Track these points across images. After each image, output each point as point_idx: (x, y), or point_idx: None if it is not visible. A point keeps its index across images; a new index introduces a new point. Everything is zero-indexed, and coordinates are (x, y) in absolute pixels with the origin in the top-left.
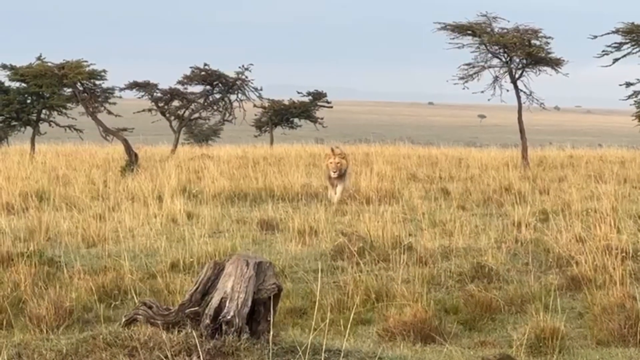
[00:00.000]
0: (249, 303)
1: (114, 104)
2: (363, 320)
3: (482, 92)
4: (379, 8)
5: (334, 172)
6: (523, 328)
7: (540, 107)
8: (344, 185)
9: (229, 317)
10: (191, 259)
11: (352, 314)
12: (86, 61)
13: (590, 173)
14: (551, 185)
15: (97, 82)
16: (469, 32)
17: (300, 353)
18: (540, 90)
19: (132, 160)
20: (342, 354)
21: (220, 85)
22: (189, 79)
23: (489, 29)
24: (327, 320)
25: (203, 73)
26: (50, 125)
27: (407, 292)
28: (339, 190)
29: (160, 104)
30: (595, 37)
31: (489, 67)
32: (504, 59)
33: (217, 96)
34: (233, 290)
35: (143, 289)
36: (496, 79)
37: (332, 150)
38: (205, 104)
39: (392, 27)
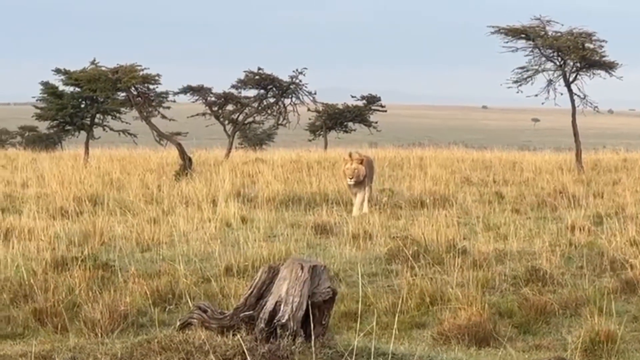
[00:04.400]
0: (304, 307)
1: (168, 108)
2: (417, 324)
3: (536, 95)
4: (432, 11)
5: (350, 178)
6: (578, 331)
7: (594, 111)
8: (364, 195)
9: (283, 321)
10: (245, 263)
11: (406, 318)
12: (140, 65)
13: None
14: (605, 188)
15: (151, 86)
16: (523, 35)
17: (354, 357)
18: (594, 93)
19: (186, 164)
20: (396, 358)
21: (274, 89)
22: (243, 83)
23: (542, 33)
24: (382, 324)
25: (257, 77)
26: (104, 129)
27: (461, 296)
28: (359, 200)
29: (214, 108)
30: None
31: (543, 70)
32: (557, 63)
33: (271, 100)
34: (288, 294)
35: (197, 293)
36: (550, 82)
37: (350, 154)
38: (259, 108)
39: (445, 30)
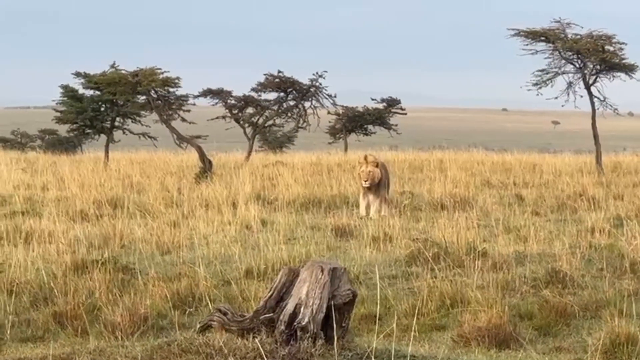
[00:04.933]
0: (324, 309)
1: (188, 111)
2: (437, 326)
3: (556, 98)
4: (452, 14)
5: (365, 181)
6: (598, 333)
7: (614, 113)
8: (381, 199)
9: (303, 323)
10: (265, 266)
11: (426, 320)
12: (160, 68)
13: None
14: (625, 190)
15: (171, 90)
16: (543, 38)
17: (374, 359)
18: (614, 95)
19: (206, 167)
20: None
21: (294, 92)
22: (263, 86)
23: (562, 35)
24: (402, 326)
25: (277, 80)
26: (124, 132)
27: (481, 298)
28: (376, 206)
29: (234, 111)
30: None
31: (563, 73)
32: (577, 65)
33: (291, 103)
34: (308, 296)
35: (217, 296)
36: (570, 85)
37: (365, 157)
38: (279, 111)
39: (465, 33)
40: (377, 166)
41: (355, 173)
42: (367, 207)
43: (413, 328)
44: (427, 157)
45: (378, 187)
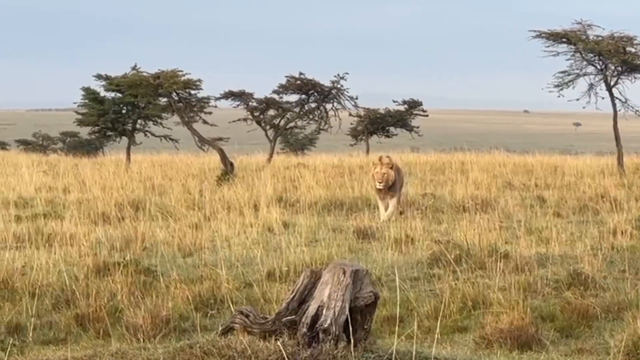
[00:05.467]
0: (346, 311)
1: (210, 113)
2: (459, 328)
3: (578, 99)
4: (472, 16)
5: (379, 182)
6: (620, 335)
7: (635, 115)
8: (395, 202)
9: (325, 326)
10: (287, 268)
11: (448, 322)
12: (181, 70)
13: None
14: None
15: (193, 92)
16: (564, 39)
17: None
18: (636, 97)
19: (227, 169)
20: None
21: (315, 94)
22: (284, 88)
23: (583, 37)
24: (424, 328)
25: (298, 82)
26: (145, 135)
27: (503, 300)
28: (391, 208)
29: (256, 114)
30: None
31: (584, 74)
32: (599, 67)
33: (313, 105)
34: (330, 298)
35: (239, 298)
36: (591, 86)
37: (380, 158)
38: (301, 113)
39: (485, 35)
40: (391, 168)
41: (369, 175)
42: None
43: (435, 330)
44: (448, 159)
45: (391, 189)
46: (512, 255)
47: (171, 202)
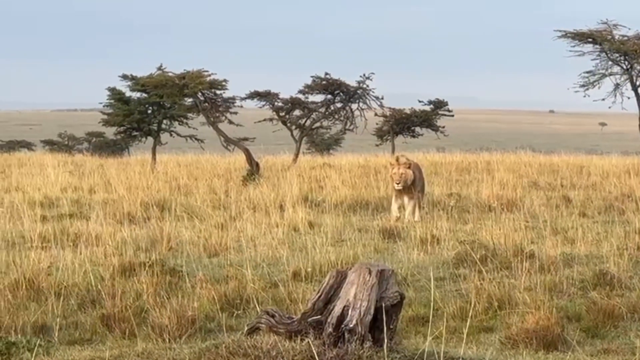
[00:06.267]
0: (372, 311)
1: (235, 113)
2: (485, 328)
3: (603, 99)
4: (499, 15)
5: (397, 183)
6: None
7: None
8: (415, 203)
9: (351, 326)
10: (313, 268)
11: (474, 322)
12: (207, 71)
13: None
14: None
15: (218, 92)
16: (590, 40)
17: None
18: None
19: (253, 169)
20: None
21: (341, 94)
22: (310, 89)
23: (609, 37)
24: (450, 328)
25: (324, 82)
26: (171, 135)
27: (529, 300)
28: (410, 208)
29: (282, 114)
30: None
31: (610, 74)
32: (624, 67)
33: (339, 105)
34: (356, 298)
35: (265, 298)
36: (617, 86)
37: (397, 159)
38: (327, 113)
39: (512, 35)
40: (409, 167)
41: (387, 175)
42: (400, 209)
43: (461, 330)
44: (474, 158)
45: (411, 188)
46: (538, 255)
47: (197, 202)
